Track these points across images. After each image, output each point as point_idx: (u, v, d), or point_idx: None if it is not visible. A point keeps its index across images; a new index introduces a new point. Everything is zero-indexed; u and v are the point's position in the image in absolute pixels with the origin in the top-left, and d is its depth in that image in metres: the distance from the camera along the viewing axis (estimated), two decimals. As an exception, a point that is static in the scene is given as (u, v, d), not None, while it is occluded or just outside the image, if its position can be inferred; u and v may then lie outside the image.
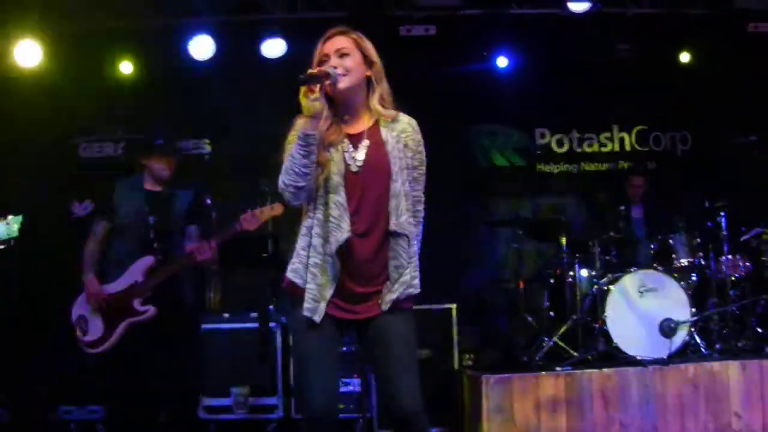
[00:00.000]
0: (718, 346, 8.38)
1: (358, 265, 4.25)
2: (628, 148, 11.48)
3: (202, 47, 9.83)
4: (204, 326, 8.45)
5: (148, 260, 6.85)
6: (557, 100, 11.01)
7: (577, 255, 8.96)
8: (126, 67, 10.18)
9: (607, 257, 9.06)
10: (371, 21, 9.79)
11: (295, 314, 4.26)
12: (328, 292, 4.22)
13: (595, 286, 8.68)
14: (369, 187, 4.27)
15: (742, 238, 9.15)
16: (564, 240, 8.99)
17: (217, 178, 9.76)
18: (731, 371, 7.56)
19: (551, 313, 9.28)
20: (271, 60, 9.96)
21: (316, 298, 4.21)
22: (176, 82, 10.18)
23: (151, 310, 6.76)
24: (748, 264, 9.06)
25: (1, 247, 4.02)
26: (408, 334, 4.34)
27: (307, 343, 4.29)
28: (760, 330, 8.66)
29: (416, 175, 4.43)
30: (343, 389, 8.56)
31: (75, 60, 9.86)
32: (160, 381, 6.92)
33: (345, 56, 4.30)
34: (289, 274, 4.31)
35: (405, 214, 4.29)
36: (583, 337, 8.49)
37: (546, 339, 8.63)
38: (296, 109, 4.17)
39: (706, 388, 7.51)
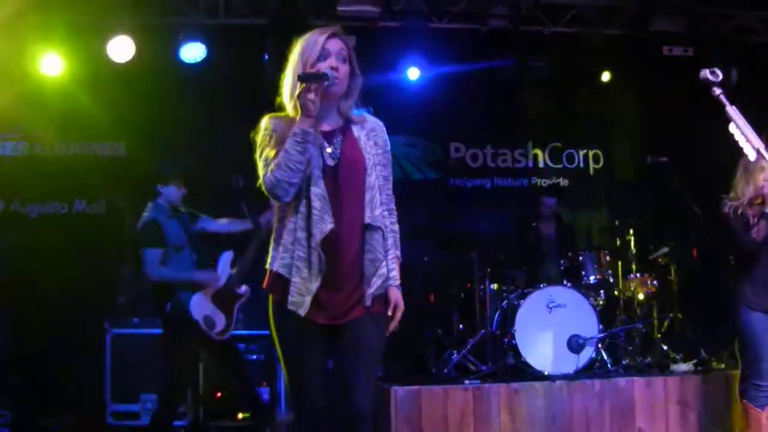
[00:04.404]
0: (624, 362, 8.54)
1: (338, 261, 4.28)
2: (541, 164, 11.62)
3: (121, 49, 9.70)
4: (113, 331, 8.38)
5: (227, 255, 7.60)
6: (473, 115, 11.08)
7: (488, 269, 9.02)
8: (43, 67, 9.90)
9: (518, 272, 9.16)
10: (291, 29, 9.77)
11: (282, 311, 4.29)
12: (314, 286, 4.25)
13: (505, 301, 8.76)
14: (345, 181, 4.34)
15: (650, 257, 9.32)
16: (475, 254, 9.07)
17: (132, 182, 9.65)
18: (636, 387, 7.67)
19: (461, 327, 9.36)
20: (190, 64, 9.89)
21: (302, 292, 4.25)
22: (94, 84, 10.00)
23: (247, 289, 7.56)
24: (655, 282, 9.23)
25: None
26: (379, 339, 4.45)
27: (297, 341, 4.36)
28: (665, 347, 8.82)
29: (386, 173, 4.57)
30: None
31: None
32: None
33: (344, 61, 4.40)
34: (281, 270, 4.30)
35: (379, 207, 4.39)
36: (492, 351, 8.56)
37: (455, 352, 8.70)
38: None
39: (611, 403, 7.60)
